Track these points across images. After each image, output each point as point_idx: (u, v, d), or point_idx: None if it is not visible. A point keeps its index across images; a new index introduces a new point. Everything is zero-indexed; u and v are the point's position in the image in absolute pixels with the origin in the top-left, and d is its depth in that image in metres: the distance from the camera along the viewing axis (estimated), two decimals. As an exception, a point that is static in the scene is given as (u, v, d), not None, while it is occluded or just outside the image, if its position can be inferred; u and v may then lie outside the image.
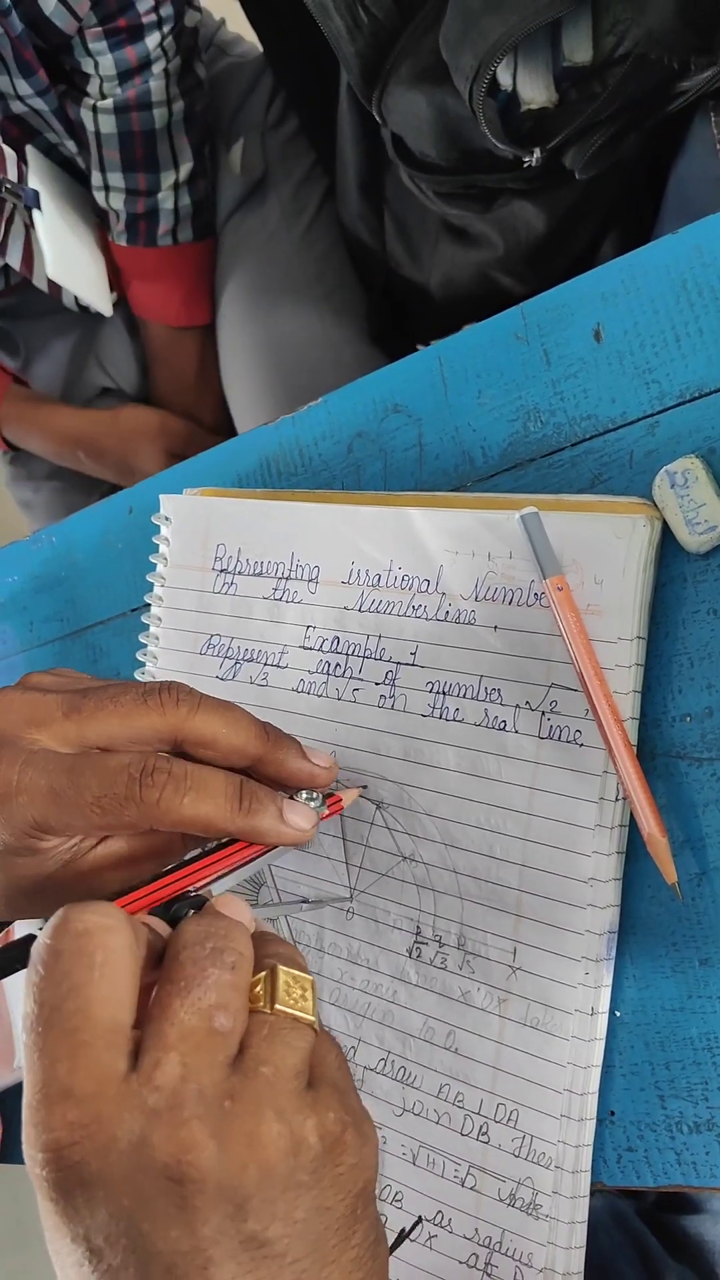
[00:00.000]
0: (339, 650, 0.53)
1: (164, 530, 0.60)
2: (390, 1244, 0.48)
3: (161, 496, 0.60)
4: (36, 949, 0.34)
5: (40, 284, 1.01)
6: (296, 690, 0.54)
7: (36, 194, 0.91)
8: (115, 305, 1.07)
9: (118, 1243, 0.31)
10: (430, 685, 0.50)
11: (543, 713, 0.47)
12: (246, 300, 0.98)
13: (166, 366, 1.06)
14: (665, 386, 0.47)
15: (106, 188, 0.95)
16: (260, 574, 0.56)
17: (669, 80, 0.66)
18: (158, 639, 0.60)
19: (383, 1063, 0.50)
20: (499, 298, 0.51)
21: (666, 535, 0.46)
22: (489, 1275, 0.46)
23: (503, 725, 0.48)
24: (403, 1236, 0.49)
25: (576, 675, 0.45)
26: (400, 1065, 0.50)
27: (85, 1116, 0.31)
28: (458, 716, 0.49)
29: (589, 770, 0.46)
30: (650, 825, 0.44)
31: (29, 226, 0.97)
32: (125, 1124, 0.31)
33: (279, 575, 0.56)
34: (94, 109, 0.91)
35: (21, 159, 0.93)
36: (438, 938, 0.50)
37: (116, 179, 0.94)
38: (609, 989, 0.46)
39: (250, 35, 0.99)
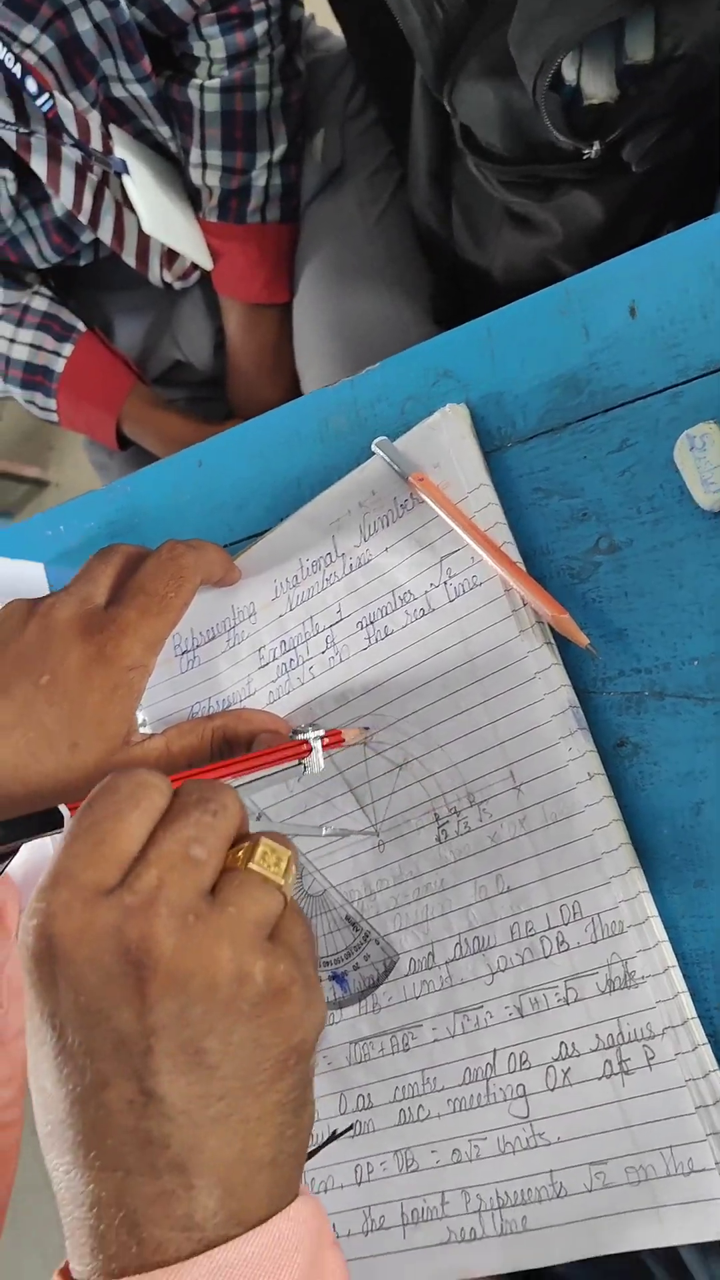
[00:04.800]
0: (287, 648, 0.63)
1: None
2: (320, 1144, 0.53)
3: None
4: (101, 783, 0.41)
5: (129, 259, 1.07)
6: (270, 703, 0.63)
7: (124, 162, 0.97)
8: (196, 284, 1.13)
9: (78, 1020, 0.36)
10: (359, 623, 0.60)
11: (445, 582, 0.56)
12: (322, 282, 1.03)
13: (244, 344, 1.11)
14: (690, 360, 0.51)
15: (204, 165, 1.01)
16: (213, 637, 0.67)
17: (723, 80, 0.70)
18: (144, 724, 0.68)
19: (459, 946, 0.55)
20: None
21: (683, 494, 0.50)
22: (626, 1073, 0.49)
23: (422, 613, 0.57)
24: (333, 1137, 0.54)
25: (456, 529, 0.55)
26: (473, 937, 0.54)
27: (75, 900, 0.37)
28: (388, 631, 0.58)
29: (493, 597, 0.54)
30: (548, 609, 0.52)
31: (120, 203, 1.04)
32: (103, 914, 0.37)
33: (227, 628, 0.66)
34: (201, 88, 0.97)
35: (106, 135, 0.99)
36: (453, 810, 0.55)
37: (215, 156, 1.00)
38: (594, 753, 0.52)
39: (337, 30, 1.04)
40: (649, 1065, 0.48)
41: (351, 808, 0.59)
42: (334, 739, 0.57)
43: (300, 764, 0.55)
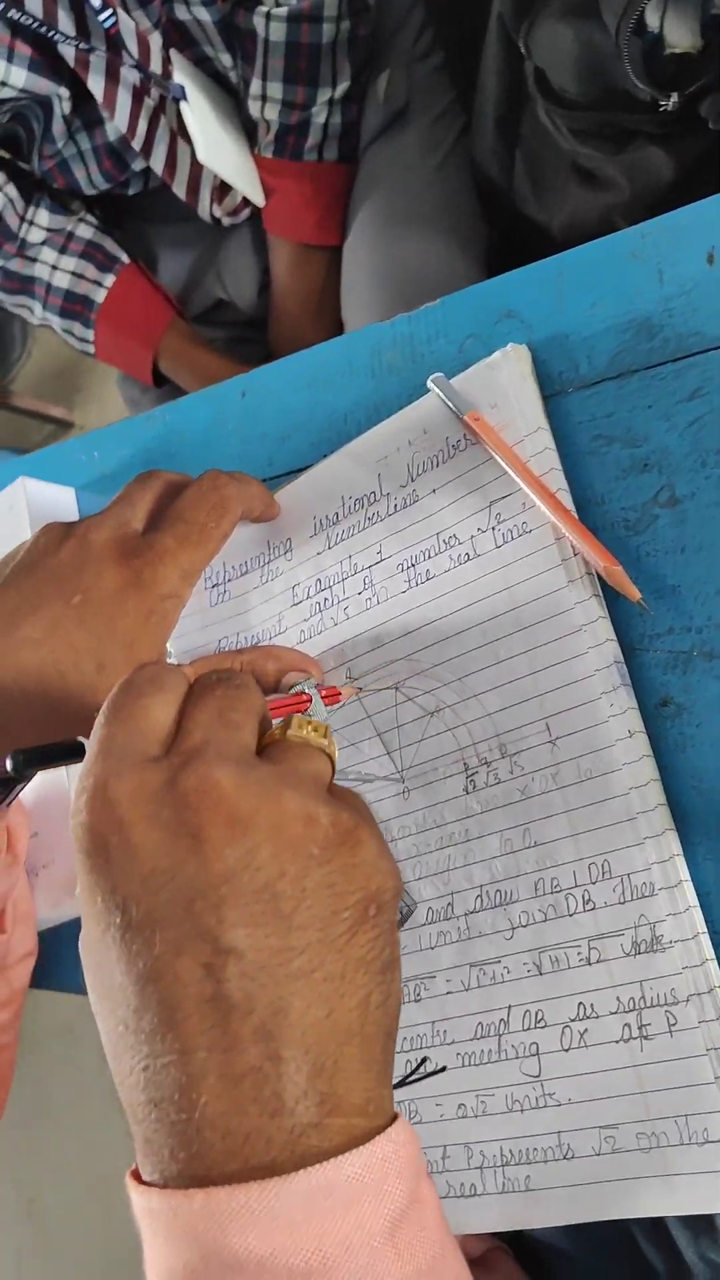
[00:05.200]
0: (322, 587, 0.61)
1: None
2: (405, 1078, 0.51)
3: None
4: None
5: (179, 190, 1.05)
6: (301, 642, 0.61)
7: (182, 88, 0.94)
8: (245, 222, 1.11)
9: (141, 888, 0.34)
10: (400, 565, 0.58)
11: (493, 528, 0.54)
12: (375, 226, 1.01)
13: (290, 285, 1.09)
14: (770, 310, 0.49)
15: (264, 97, 0.99)
16: (246, 571, 0.65)
17: None
18: (171, 655, 0.67)
19: (480, 899, 0.53)
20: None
21: None
22: (646, 1038, 0.48)
23: (466, 558, 0.55)
24: (420, 1069, 0.52)
25: (509, 473, 0.53)
26: (495, 890, 0.53)
27: (124, 766, 0.36)
28: (430, 575, 0.57)
29: (543, 545, 0.52)
30: (601, 560, 0.50)
31: (174, 131, 1.01)
32: (155, 775, 0.36)
33: (261, 564, 0.64)
34: (267, 16, 0.94)
35: (167, 59, 0.96)
36: (484, 760, 0.54)
37: (276, 89, 0.98)
38: (636, 710, 0.50)
39: (407, -33, 1.01)
40: (670, 1031, 0.47)
41: (378, 753, 0.58)
42: (330, 695, 0.56)
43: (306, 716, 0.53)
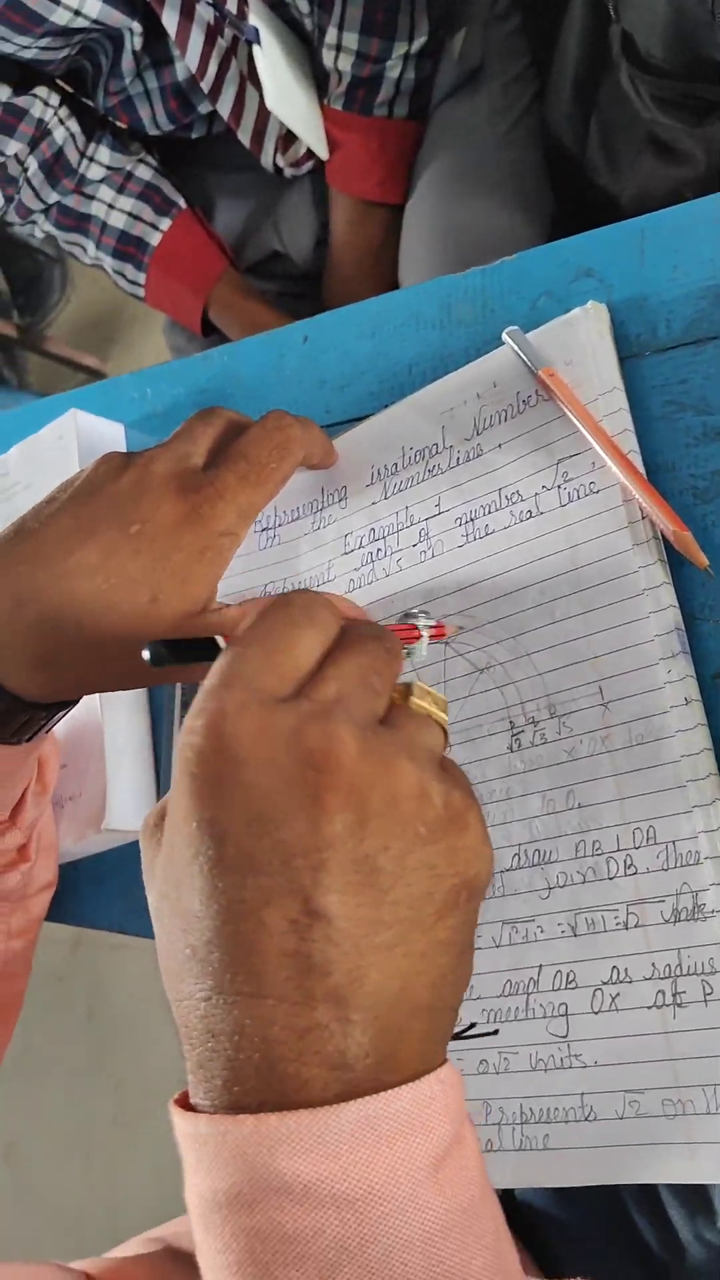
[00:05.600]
0: (375, 538, 0.61)
1: None
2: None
3: None
4: (272, 598, 0.40)
5: (244, 137, 1.04)
6: (349, 591, 0.61)
7: (256, 30, 0.93)
8: (308, 174, 1.10)
9: (244, 829, 0.34)
10: (458, 519, 0.57)
11: (559, 486, 0.54)
12: (440, 187, 1.00)
13: (349, 241, 1.08)
14: None
15: (339, 47, 0.97)
16: (297, 518, 0.64)
17: None
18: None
19: (517, 857, 0.53)
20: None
21: None
22: (679, 1005, 0.47)
23: (528, 515, 0.54)
24: (464, 1031, 0.52)
25: (581, 431, 0.52)
26: (534, 850, 0.52)
27: (252, 701, 0.35)
28: (489, 530, 0.56)
29: (610, 506, 0.52)
30: (670, 525, 0.49)
31: (244, 76, 1.00)
32: (282, 717, 0.35)
33: (314, 510, 0.64)
34: None
35: (243, 0, 0.95)
36: (531, 720, 0.53)
37: (351, 39, 0.96)
38: (693, 678, 0.50)
39: None
40: (704, 1001, 0.47)
41: None
42: (439, 633, 0.55)
43: (405, 649, 0.52)
